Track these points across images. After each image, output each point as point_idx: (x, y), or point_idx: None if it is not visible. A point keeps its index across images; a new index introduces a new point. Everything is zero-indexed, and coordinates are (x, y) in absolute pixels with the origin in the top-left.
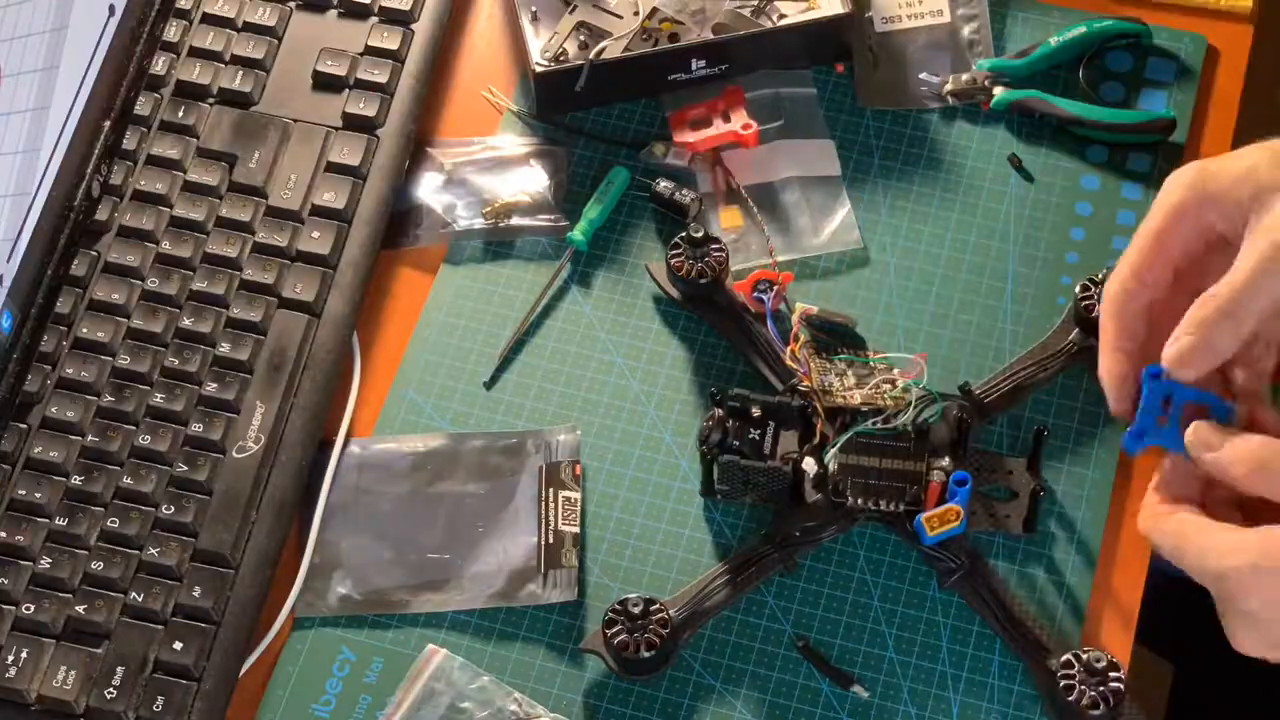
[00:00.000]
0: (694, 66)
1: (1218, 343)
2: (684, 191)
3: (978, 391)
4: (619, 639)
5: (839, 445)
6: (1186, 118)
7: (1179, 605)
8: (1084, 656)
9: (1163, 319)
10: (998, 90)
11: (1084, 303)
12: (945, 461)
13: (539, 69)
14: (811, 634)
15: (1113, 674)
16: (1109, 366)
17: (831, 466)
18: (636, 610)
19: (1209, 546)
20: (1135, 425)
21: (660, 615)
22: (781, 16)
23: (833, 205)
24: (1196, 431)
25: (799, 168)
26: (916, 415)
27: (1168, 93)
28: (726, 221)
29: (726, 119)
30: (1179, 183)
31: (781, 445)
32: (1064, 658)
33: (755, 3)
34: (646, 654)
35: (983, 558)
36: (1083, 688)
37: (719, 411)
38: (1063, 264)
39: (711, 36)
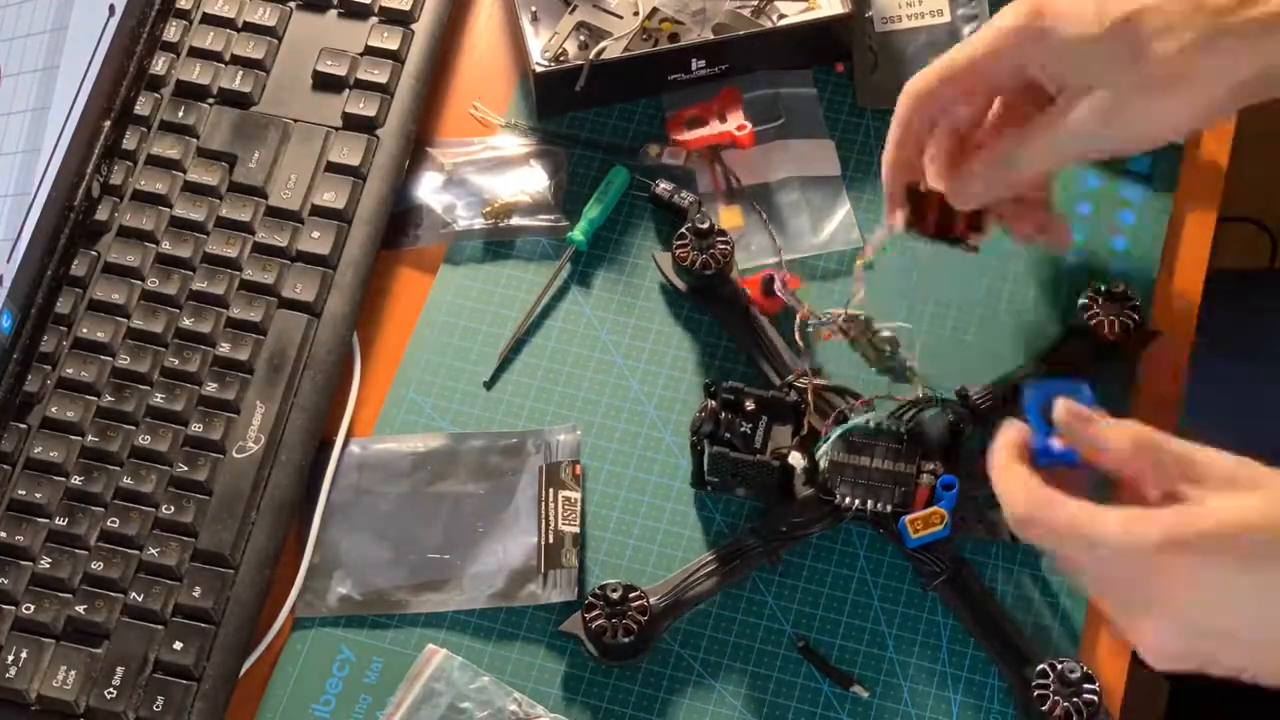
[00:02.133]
0: (694, 66)
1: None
2: (683, 194)
3: (975, 397)
4: (597, 623)
5: (830, 442)
6: None
7: None
8: (1059, 667)
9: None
10: None
11: (1087, 315)
12: (936, 465)
13: (539, 69)
14: (811, 634)
15: (1087, 685)
16: (887, 160)
17: (822, 464)
18: (615, 596)
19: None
20: (1037, 442)
21: (640, 602)
22: (781, 16)
23: (832, 205)
24: (1068, 409)
25: (798, 168)
26: (911, 417)
27: None
28: (726, 221)
29: (723, 119)
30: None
31: (774, 440)
32: (1039, 667)
33: (755, 3)
34: (624, 639)
35: (967, 563)
36: (1057, 698)
37: (713, 403)
38: (1063, 264)
39: (711, 36)
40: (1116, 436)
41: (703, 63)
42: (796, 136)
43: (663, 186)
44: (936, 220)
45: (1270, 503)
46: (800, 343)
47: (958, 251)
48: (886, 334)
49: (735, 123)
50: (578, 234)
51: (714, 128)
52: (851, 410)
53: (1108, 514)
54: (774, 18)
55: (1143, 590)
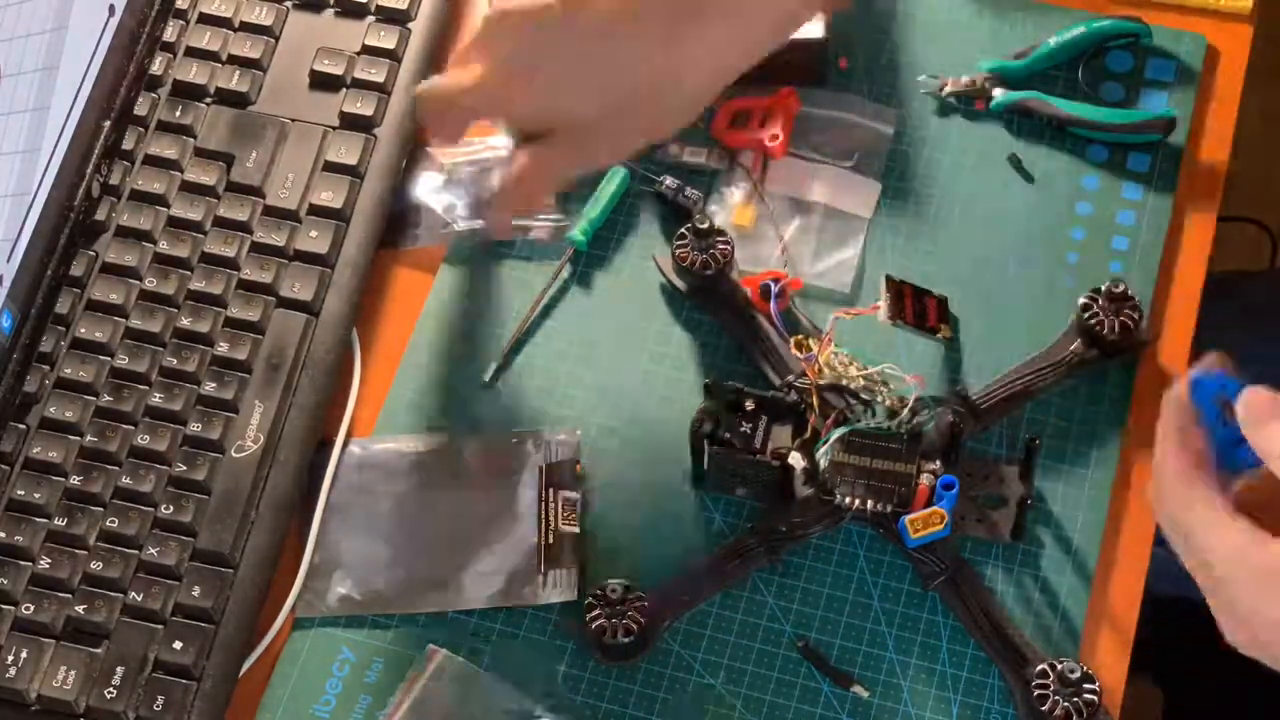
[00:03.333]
0: None
1: None
2: (688, 192)
3: (975, 398)
4: (597, 623)
5: (830, 442)
6: (1186, 118)
7: (1171, 630)
8: (1059, 667)
9: None
10: (997, 91)
11: (1087, 315)
12: (936, 465)
13: None
14: (811, 634)
15: (1087, 685)
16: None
17: (822, 464)
18: (615, 596)
19: (1204, 530)
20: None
21: (640, 603)
22: None
23: (843, 244)
24: (1252, 398)
25: (832, 197)
26: (910, 418)
27: (1168, 93)
28: (738, 218)
29: (763, 124)
30: None
31: (774, 440)
32: (1039, 668)
33: None
34: (624, 639)
35: (967, 563)
36: (1056, 698)
37: (713, 403)
38: (1063, 264)
39: None
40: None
41: None
42: (853, 167)
43: (669, 183)
44: (912, 310)
45: None
46: (796, 352)
47: (956, 253)
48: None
49: (770, 132)
50: (578, 234)
51: (752, 130)
52: (851, 410)
53: (1220, 531)
54: None
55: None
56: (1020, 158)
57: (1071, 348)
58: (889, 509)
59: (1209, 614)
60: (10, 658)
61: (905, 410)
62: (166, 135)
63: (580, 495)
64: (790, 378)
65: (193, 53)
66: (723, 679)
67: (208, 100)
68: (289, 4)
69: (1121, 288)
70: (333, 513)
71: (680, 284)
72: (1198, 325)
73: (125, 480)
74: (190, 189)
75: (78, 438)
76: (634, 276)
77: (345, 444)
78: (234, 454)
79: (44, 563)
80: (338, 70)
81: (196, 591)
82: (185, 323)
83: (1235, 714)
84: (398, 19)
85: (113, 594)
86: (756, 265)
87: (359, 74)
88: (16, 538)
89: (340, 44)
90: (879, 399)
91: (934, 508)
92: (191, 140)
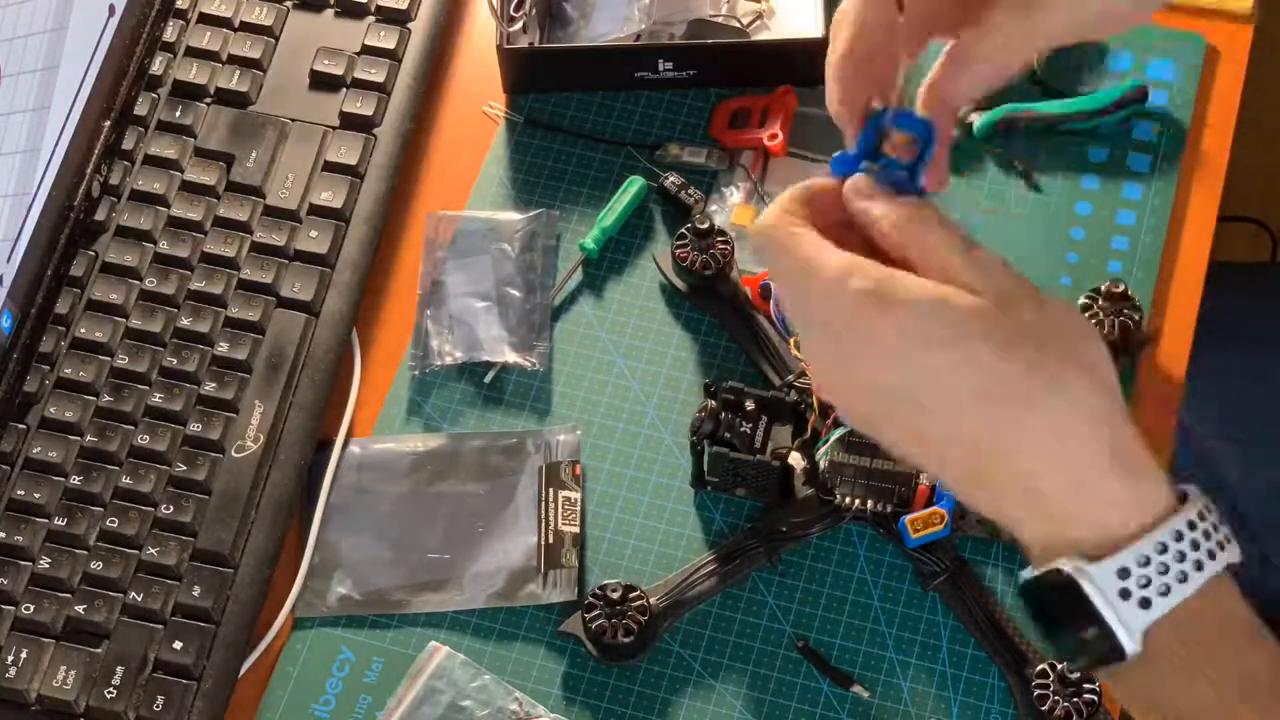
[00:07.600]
0: (661, 67)
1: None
2: (690, 190)
3: None
4: (597, 623)
5: (830, 442)
6: (1186, 118)
7: None
8: (1059, 667)
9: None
10: (974, 118)
11: (1087, 315)
12: None
13: (505, 47)
14: (811, 634)
15: (1087, 685)
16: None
17: (822, 464)
18: (615, 596)
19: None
20: (850, 154)
21: (640, 602)
22: (754, 23)
23: None
24: (855, 183)
25: None
26: None
27: (1168, 91)
28: (738, 218)
29: (762, 123)
30: None
31: (774, 440)
32: (1039, 668)
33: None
34: (624, 639)
35: (967, 563)
36: (1056, 698)
37: (713, 403)
38: (1063, 264)
39: (680, 40)
40: (882, 216)
41: (670, 65)
42: None
43: (671, 180)
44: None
45: (997, 304)
46: (796, 353)
47: None
48: None
49: (769, 131)
50: (589, 242)
51: (751, 129)
52: None
53: (837, 252)
54: (743, 21)
55: (845, 345)
56: (1028, 168)
57: None
58: (889, 509)
59: None
60: (10, 658)
61: None
62: (166, 135)
63: (580, 495)
64: (790, 378)
65: (193, 53)
66: (723, 679)
67: (208, 100)
68: (289, 4)
69: (1121, 288)
70: (333, 513)
71: (680, 284)
72: (1198, 318)
73: (125, 480)
74: (190, 189)
75: (78, 438)
76: (634, 276)
77: (345, 444)
78: (234, 454)
79: (44, 563)
80: (338, 70)
81: (196, 591)
82: (185, 323)
83: None
84: (398, 19)
85: (113, 594)
86: (756, 265)
87: (359, 74)
88: (16, 538)
89: (340, 44)
90: None
91: (934, 508)
92: (191, 140)
